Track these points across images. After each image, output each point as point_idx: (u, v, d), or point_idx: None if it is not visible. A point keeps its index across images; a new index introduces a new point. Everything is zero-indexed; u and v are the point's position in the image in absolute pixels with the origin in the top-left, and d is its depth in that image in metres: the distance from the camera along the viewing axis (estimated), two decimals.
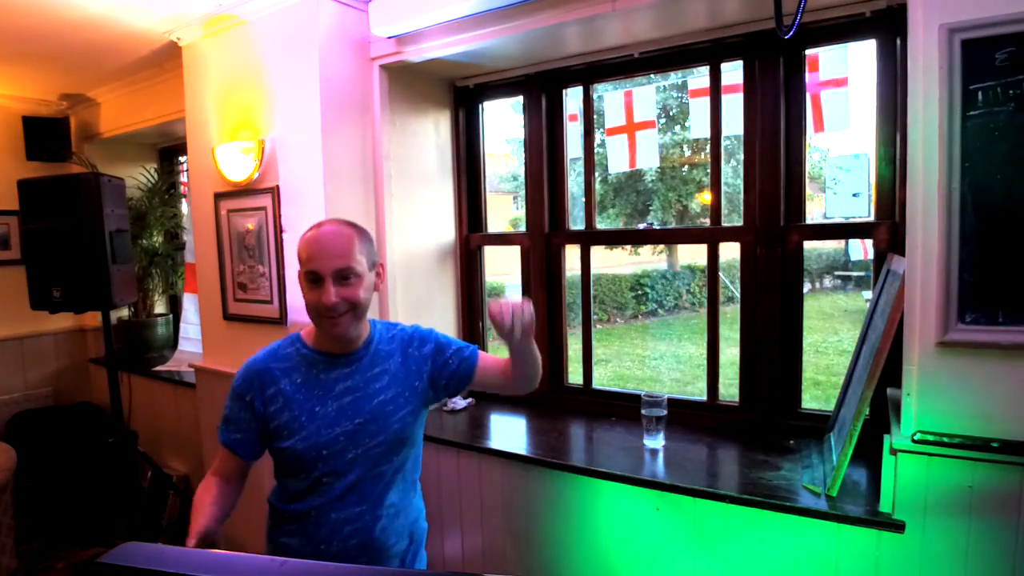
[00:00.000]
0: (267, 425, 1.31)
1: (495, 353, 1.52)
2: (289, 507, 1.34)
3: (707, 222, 2.95)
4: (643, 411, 1.96)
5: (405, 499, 1.42)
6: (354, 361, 1.35)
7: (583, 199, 2.39)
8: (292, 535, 1.34)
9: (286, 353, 1.35)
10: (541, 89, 2.36)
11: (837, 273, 12.97)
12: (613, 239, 3.23)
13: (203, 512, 1.26)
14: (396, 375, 1.38)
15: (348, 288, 1.26)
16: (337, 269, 1.25)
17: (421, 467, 1.51)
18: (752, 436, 1.99)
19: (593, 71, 2.26)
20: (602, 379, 7.01)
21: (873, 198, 1.85)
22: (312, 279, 1.26)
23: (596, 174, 2.40)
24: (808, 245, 2.04)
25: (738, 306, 2.09)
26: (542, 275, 2.43)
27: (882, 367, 1.43)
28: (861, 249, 10.95)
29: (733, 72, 2.08)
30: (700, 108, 2.20)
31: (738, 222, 2.05)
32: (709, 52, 2.03)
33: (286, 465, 1.33)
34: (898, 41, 1.72)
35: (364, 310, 1.32)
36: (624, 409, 2.23)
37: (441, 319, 2.58)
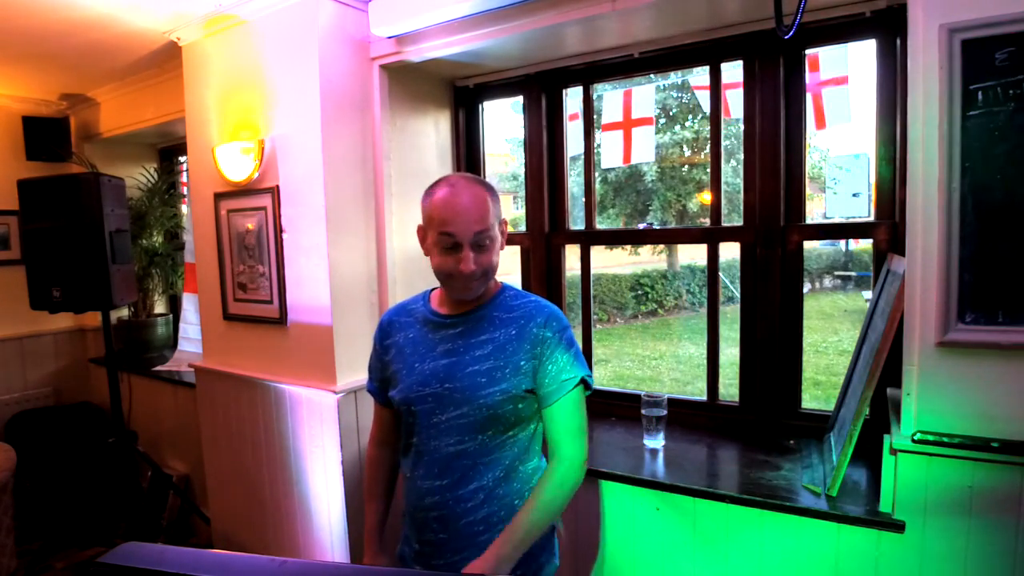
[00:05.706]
0: (385, 372, 1.38)
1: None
2: (400, 460, 1.41)
3: (707, 222, 2.94)
4: (643, 411, 1.96)
5: (502, 488, 1.27)
6: (460, 323, 1.29)
7: (583, 199, 2.39)
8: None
9: (412, 308, 1.39)
10: (541, 89, 2.36)
11: (837, 273, 12.98)
12: (613, 239, 3.23)
13: (369, 516, 1.43)
14: (503, 347, 1.25)
15: (484, 254, 1.23)
16: (476, 233, 1.20)
17: (540, 459, 1.37)
18: (752, 436, 1.99)
19: (593, 71, 2.26)
20: (602, 379, 7.02)
21: (873, 198, 1.85)
22: (448, 245, 1.20)
23: (596, 174, 2.40)
24: (808, 245, 2.04)
25: (738, 306, 2.09)
26: (542, 275, 2.43)
27: (882, 367, 1.43)
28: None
29: (733, 71, 2.07)
30: (707, 99, 2.19)
31: (738, 222, 2.05)
32: (709, 52, 2.03)
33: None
34: (898, 41, 1.72)
35: (495, 272, 1.29)
36: (624, 409, 2.23)
37: None
